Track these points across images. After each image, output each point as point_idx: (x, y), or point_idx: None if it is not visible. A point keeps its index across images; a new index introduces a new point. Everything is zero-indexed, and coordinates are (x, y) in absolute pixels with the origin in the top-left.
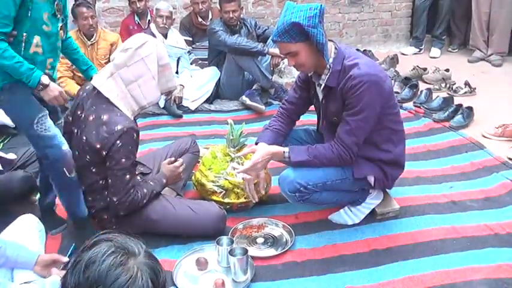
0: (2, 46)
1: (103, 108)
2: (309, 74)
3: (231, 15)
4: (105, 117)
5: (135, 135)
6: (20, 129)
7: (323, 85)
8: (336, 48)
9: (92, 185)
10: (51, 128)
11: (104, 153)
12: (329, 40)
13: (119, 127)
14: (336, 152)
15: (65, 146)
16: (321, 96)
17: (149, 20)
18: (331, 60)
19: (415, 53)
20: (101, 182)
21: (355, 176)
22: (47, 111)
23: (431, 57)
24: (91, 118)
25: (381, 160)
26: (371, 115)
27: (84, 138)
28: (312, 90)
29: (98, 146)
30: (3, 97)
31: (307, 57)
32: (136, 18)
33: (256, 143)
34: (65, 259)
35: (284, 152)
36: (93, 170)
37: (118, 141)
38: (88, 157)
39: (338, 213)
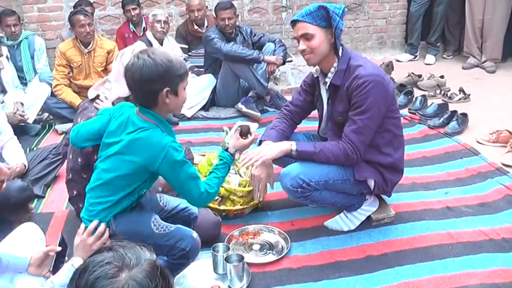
0: None
1: (94, 110)
2: (315, 75)
3: (226, 23)
4: (92, 114)
5: None
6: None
7: (328, 83)
8: (342, 49)
9: (82, 189)
10: (168, 224)
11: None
12: None
13: None
14: (343, 149)
15: (195, 233)
16: (325, 98)
17: (144, 28)
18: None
19: (410, 60)
20: None
21: (356, 177)
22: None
23: (426, 64)
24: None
25: (380, 164)
26: (376, 115)
27: None
28: (316, 91)
29: (91, 149)
30: (115, 227)
31: (320, 44)
32: (131, 26)
33: (261, 141)
34: (57, 248)
35: (291, 144)
36: (84, 176)
37: None
38: (80, 160)
39: (334, 219)
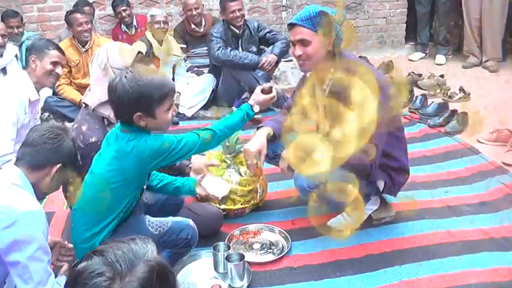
0: None
1: (85, 119)
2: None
3: (237, 14)
4: (84, 127)
5: None
6: None
7: (327, 91)
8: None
9: None
10: (163, 220)
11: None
12: None
13: (93, 139)
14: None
15: (190, 221)
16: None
17: (135, 26)
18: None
19: (422, 58)
20: None
21: (368, 179)
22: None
23: (437, 64)
24: (75, 126)
25: (389, 167)
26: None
27: None
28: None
29: None
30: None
31: (317, 51)
32: (123, 27)
33: (258, 128)
34: (69, 245)
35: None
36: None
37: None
38: None
39: (336, 219)
